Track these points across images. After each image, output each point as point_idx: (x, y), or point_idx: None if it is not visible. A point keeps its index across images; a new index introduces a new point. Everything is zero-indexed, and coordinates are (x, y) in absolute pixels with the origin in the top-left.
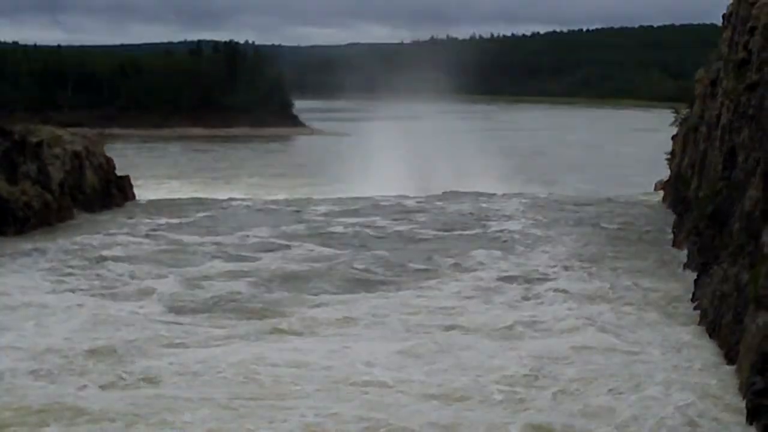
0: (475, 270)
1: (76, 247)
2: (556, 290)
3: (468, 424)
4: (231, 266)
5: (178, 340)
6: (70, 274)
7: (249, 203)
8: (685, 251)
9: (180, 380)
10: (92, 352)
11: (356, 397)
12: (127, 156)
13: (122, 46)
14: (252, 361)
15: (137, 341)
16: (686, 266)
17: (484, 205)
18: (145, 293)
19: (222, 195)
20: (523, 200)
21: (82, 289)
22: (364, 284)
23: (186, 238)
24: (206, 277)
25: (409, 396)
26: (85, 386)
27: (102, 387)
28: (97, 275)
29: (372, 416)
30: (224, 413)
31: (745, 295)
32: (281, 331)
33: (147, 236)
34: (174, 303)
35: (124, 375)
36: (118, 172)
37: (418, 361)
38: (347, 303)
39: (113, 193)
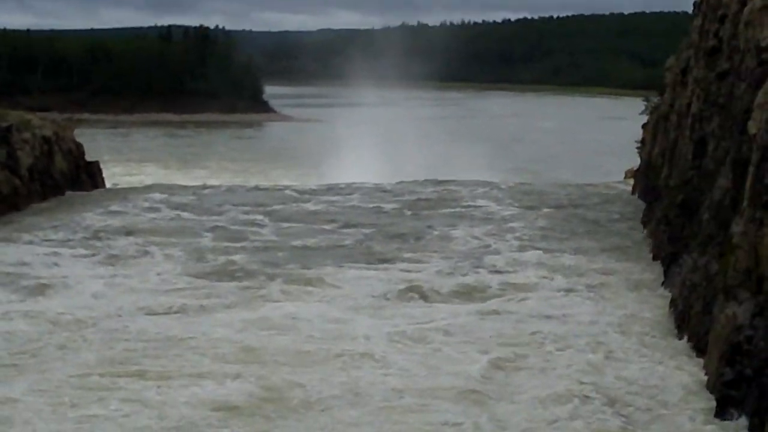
0: (441, 253)
1: (59, 224)
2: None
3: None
4: (223, 242)
5: (183, 305)
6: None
7: (225, 188)
8: (654, 240)
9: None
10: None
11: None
12: (97, 141)
13: (92, 30)
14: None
15: (147, 306)
16: (655, 256)
17: (456, 191)
18: (148, 265)
19: (197, 181)
20: (494, 187)
21: (85, 261)
22: (351, 257)
23: (165, 219)
24: (204, 251)
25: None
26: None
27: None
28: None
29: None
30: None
31: (714, 285)
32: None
33: (127, 216)
34: (176, 274)
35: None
36: (88, 158)
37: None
38: (335, 273)
39: (83, 179)
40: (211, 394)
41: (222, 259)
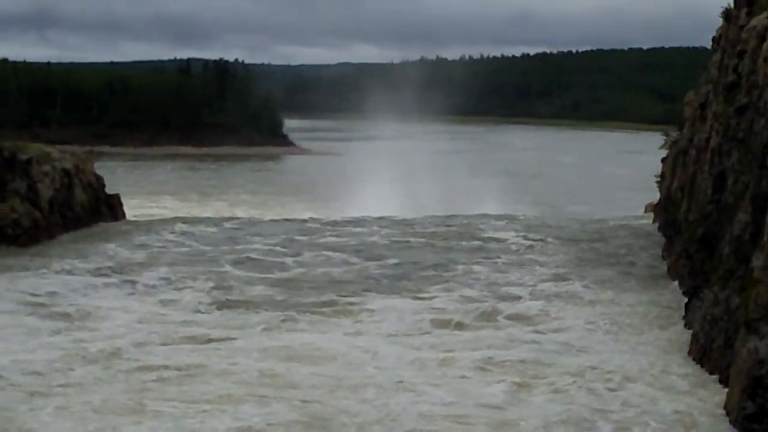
0: (464, 284)
1: (87, 256)
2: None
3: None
4: (248, 273)
5: (211, 335)
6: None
7: (248, 220)
8: (675, 274)
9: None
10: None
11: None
12: (116, 173)
13: (111, 63)
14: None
15: (172, 337)
16: (675, 289)
17: (476, 224)
18: (174, 295)
19: (215, 214)
20: (515, 222)
21: (113, 292)
22: (375, 288)
23: (190, 250)
24: (229, 281)
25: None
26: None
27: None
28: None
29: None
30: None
31: (735, 319)
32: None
33: (153, 248)
34: (203, 304)
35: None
36: (108, 191)
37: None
38: (360, 304)
39: (103, 211)
40: (249, 419)
41: (248, 289)
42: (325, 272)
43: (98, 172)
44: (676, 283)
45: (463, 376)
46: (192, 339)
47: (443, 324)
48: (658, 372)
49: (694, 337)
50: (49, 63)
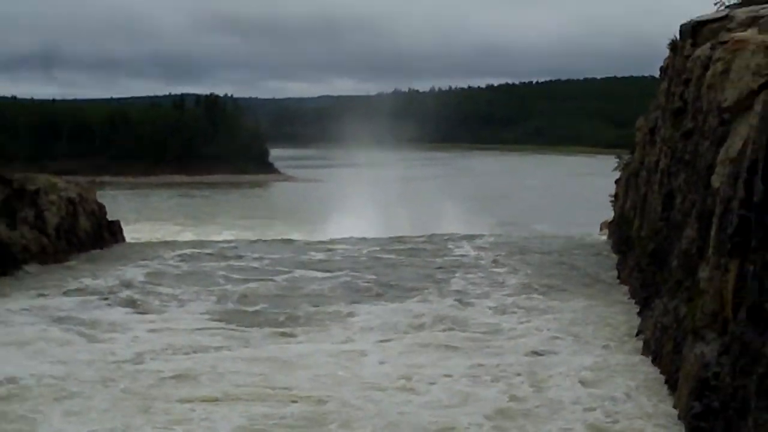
0: (439, 296)
1: (97, 276)
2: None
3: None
4: (246, 289)
5: (215, 343)
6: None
7: (245, 242)
8: (628, 286)
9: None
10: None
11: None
12: (117, 201)
13: (112, 99)
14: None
15: (180, 346)
16: (628, 301)
17: (447, 242)
18: (182, 310)
19: (213, 237)
20: (482, 239)
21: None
22: (361, 300)
23: (190, 270)
24: (228, 297)
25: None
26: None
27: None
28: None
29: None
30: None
31: (683, 326)
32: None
33: (157, 268)
34: (209, 315)
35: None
36: (110, 217)
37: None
38: (349, 314)
39: (105, 236)
40: (255, 418)
41: (246, 305)
42: (315, 288)
43: (100, 200)
44: (629, 294)
45: (437, 375)
46: (197, 349)
47: (421, 331)
48: (606, 375)
49: (646, 344)
50: (54, 100)
